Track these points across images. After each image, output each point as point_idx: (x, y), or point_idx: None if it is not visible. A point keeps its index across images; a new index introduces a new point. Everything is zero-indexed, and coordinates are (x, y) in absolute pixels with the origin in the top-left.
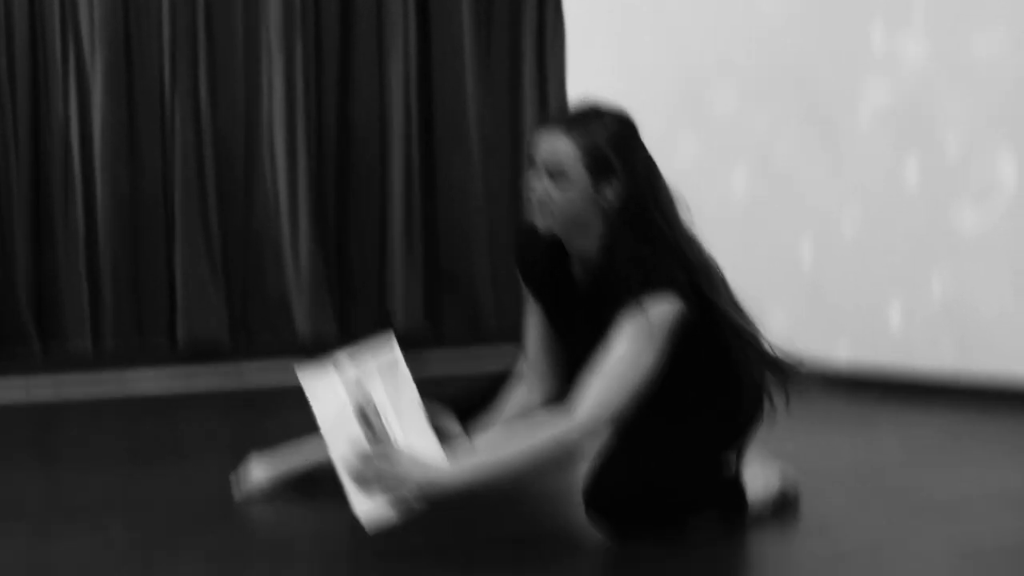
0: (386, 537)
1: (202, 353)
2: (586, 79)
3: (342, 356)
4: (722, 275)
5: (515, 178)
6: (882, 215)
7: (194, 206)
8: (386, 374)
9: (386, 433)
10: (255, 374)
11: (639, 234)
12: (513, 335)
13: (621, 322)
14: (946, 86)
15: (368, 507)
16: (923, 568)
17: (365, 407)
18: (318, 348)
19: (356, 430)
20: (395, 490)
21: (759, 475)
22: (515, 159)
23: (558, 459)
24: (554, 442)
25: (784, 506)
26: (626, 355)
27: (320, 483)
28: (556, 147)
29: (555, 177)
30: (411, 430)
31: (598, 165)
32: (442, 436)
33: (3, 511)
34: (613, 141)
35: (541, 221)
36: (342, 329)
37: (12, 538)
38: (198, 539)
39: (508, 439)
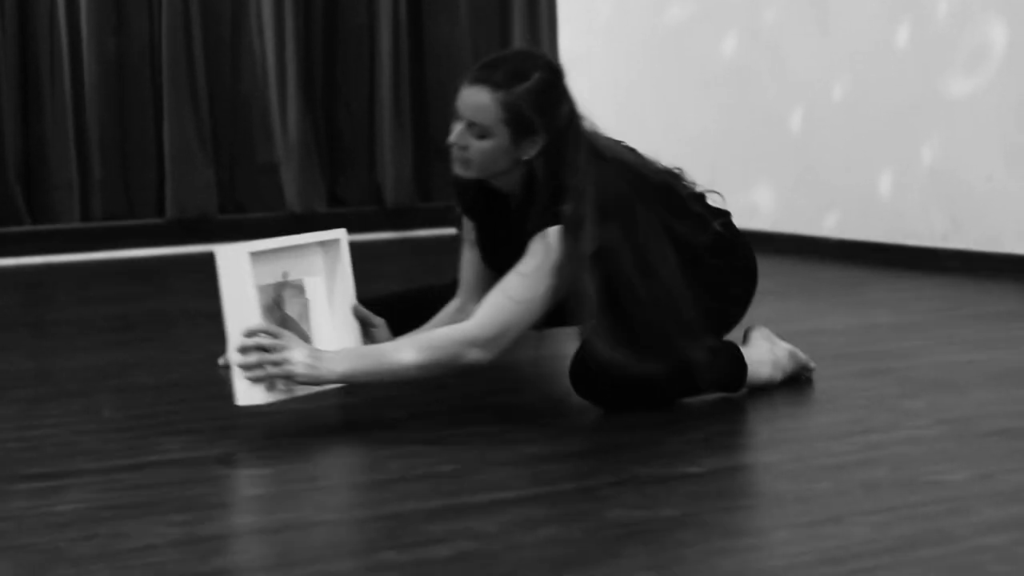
0: (368, 408)
1: (190, 227)
2: None
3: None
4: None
5: (503, 42)
6: (872, 82)
7: (182, 73)
8: (327, 254)
9: (289, 324)
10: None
11: (554, 175)
12: None
13: (528, 249)
14: None
15: (243, 387)
16: (918, 447)
17: (278, 296)
18: (307, 219)
19: (256, 318)
20: (275, 371)
21: (767, 354)
22: (503, 22)
23: (442, 366)
24: (440, 351)
25: (796, 383)
26: (523, 279)
27: None
28: (479, 102)
29: (475, 129)
30: (328, 317)
31: (519, 124)
32: (365, 327)
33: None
34: (536, 100)
35: (458, 168)
36: (331, 201)
37: (4, 411)
38: (186, 414)
39: (403, 341)
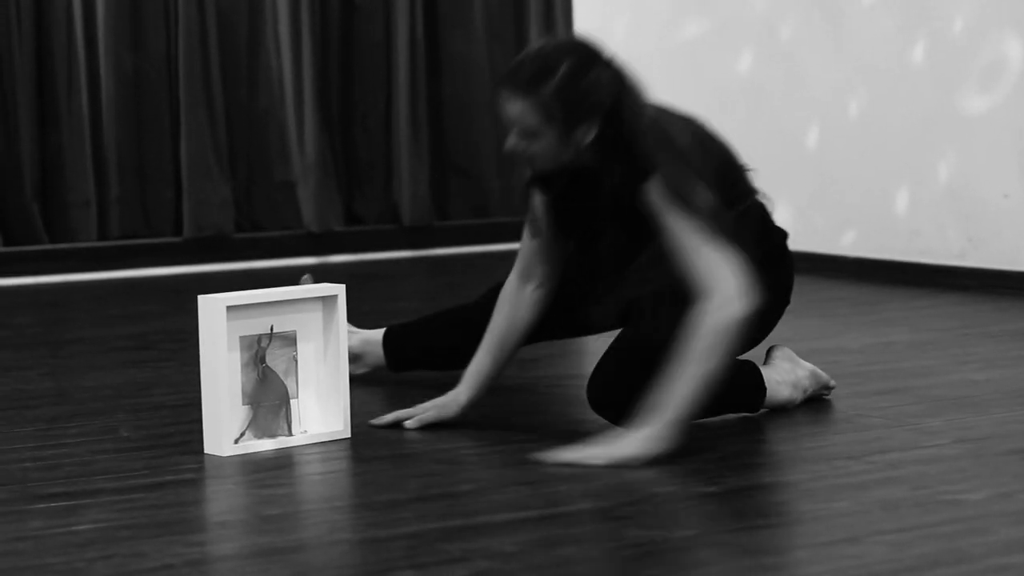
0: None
1: (207, 245)
2: None
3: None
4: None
5: None
6: (888, 97)
7: (199, 90)
8: (325, 308)
9: (269, 379)
10: (261, 265)
11: (624, 145)
12: (520, 221)
13: (659, 212)
14: None
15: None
16: (937, 465)
17: (260, 350)
18: (324, 238)
19: (231, 370)
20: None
21: (787, 375)
22: (519, 38)
23: (728, 350)
24: (717, 347)
25: (815, 402)
26: (696, 228)
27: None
28: (518, 110)
29: (524, 134)
30: (318, 373)
31: (562, 119)
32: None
33: (14, 403)
34: (570, 92)
35: (528, 168)
36: (348, 219)
37: (22, 430)
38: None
39: (678, 371)
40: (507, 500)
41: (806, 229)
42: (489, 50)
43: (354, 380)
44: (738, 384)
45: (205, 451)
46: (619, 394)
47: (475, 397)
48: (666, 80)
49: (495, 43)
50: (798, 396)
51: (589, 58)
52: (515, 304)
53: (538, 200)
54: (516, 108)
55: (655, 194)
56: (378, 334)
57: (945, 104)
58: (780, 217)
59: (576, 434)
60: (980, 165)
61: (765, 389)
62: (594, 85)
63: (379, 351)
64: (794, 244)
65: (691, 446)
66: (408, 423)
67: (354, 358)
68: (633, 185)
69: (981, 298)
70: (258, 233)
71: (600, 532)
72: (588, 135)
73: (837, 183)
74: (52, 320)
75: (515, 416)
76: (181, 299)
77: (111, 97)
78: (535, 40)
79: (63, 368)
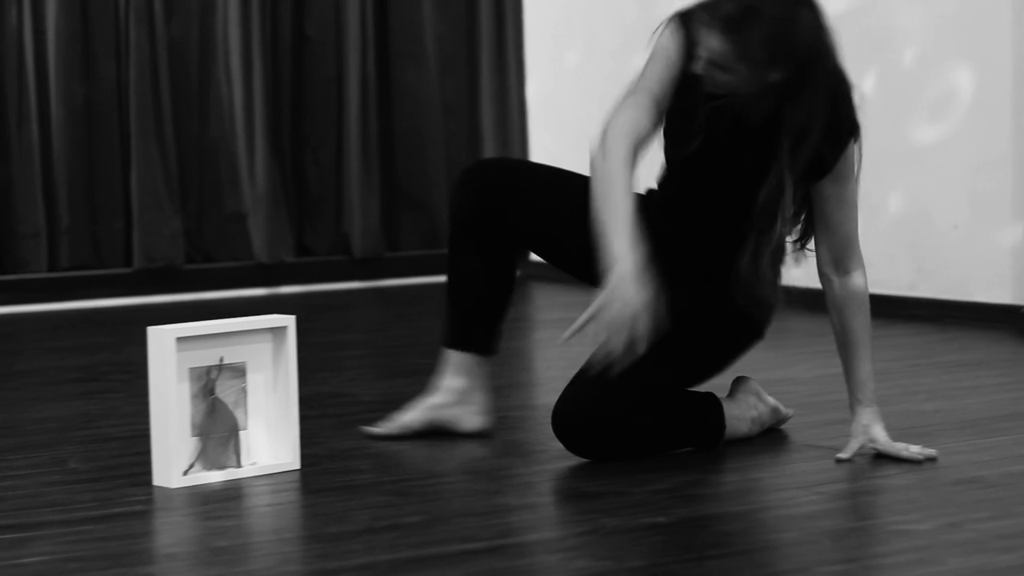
0: (332, 459)
1: (157, 277)
2: None
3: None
4: None
5: (472, 92)
6: None
7: (149, 121)
8: (275, 340)
9: (218, 410)
10: (211, 296)
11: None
12: None
13: (840, 174)
14: None
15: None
16: (885, 496)
17: (209, 381)
18: (274, 269)
19: (179, 401)
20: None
21: (750, 410)
22: (471, 73)
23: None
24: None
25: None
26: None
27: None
28: (714, 45)
29: (716, 66)
30: (268, 404)
31: (759, 61)
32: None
33: None
34: (772, 39)
35: (712, 89)
36: (299, 250)
37: None
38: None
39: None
40: (456, 531)
41: None
42: (441, 84)
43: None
44: (699, 420)
45: (154, 483)
46: (585, 423)
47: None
48: None
49: (447, 77)
50: (755, 430)
51: (794, 15)
52: (631, 172)
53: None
54: (713, 42)
55: (847, 155)
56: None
57: (896, 135)
58: None
59: (524, 465)
60: (930, 196)
61: (724, 427)
62: (795, 34)
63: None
64: None
65: (640, 477)
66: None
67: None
68: (823, 141)
69: (931, 329)
70: (209, 264)
71: (549, 563)
72: (777, 76)
73: None
74: (0, 351)
75: (463, 446)
76: (131, 330)
77: (61, 128)
78: (484, 87)
79: (11, 400)
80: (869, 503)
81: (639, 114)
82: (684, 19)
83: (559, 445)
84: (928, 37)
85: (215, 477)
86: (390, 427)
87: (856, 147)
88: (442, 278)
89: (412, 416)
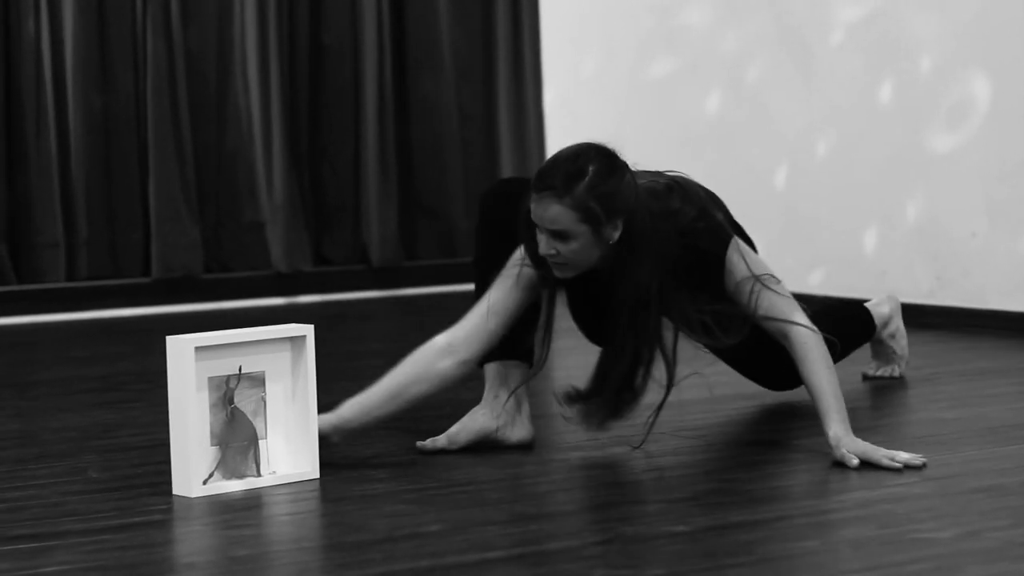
0: (352, 468)
1: (175, 286)
2: None
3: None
4: None
5: (489, 100)
6: (856, 136)
7: (167, 131)
8: (294, 349)
9: (237, 419)
10: (230, 305)
11: (653, 233)
12: None
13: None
14: (918, 3)
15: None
16: (905, 504)
17: (228, 390)
18: (292, 278)
19: (199, 410)
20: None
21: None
22: (488, 81)
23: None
24: (820, 345)
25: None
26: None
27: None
28: (553, 214)
29: (560, 237)
30: (287, 414)
31: (595, 218)
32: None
33: None
34: (600, 191)
35: (559, 273)
36: (317, 260)
37: None
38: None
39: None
40: (475, 540)
41: (775, 268)
42: (458, 92)
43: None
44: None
45: (173, 492)
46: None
47: (347, 425)
48: (635, 119)
49: (464, 85)
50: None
51: (614, 161)
52: (428, 369)
53: (546, 294)
54: (552, 211)
55: (735, 270)
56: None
57: (913, 143)
58: None
59: (542, 474)
60: (948, 204)
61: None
62: (621, 184)
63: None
64: None
65: (659, 485)
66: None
67: None
68: (699, 270)
69: (950, 337)
70: (226, 274)
71: (568, 572)
72: (616, 232)
73: (805, 222)
74: (19, 361)
75: (482, 454)
76: (149, 340)
77: (79, 138)
78: (501, 95)
79: (30, 409)
80: (889, 511)
81: (474, 325)
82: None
83: (578, 454)
84: (945, 45)
85: (235, 486)
86: (438, 441)
87: (737, 255)
88: (460, 287)
89: (462, 430)
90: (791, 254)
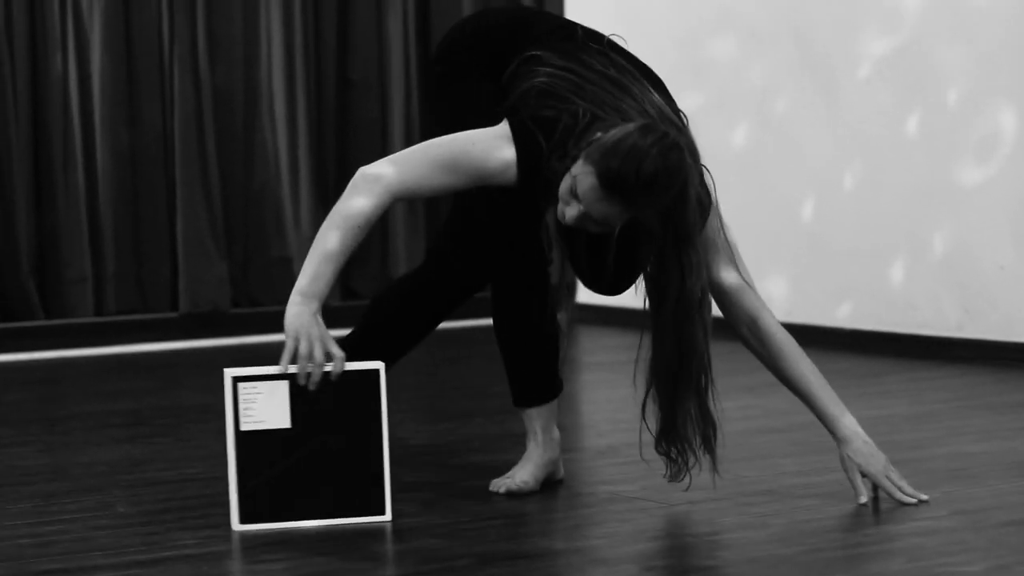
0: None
1: (203, 321)
2: None
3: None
4: None
5: None
6: (883, 168)
7: (195, 166)
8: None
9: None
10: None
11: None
12: None
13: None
14: (946, 36)
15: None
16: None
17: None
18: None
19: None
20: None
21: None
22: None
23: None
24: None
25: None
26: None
27: None
28: (613, 218)
29: (598, 223)
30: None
31: (648, 218)
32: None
33: (9, 479)
34: (669, 212)
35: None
36: (345, 294)
37: (17, 507)
38: (201, 509)
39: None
40: (504, 574)
41: (802, 300)
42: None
43: None
44: None
45: (232, 527)
46: None
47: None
48: None
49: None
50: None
51: (700, 174)
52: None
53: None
54: (613, 214)
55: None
56: None
57: (940, 175)
58: (775, 288)
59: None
60: (976, 236)
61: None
62: (680, 200)
63: None
64: (790, 315)
65: (683, 519)
66: None
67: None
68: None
69: (979, 370)
70: (254, 308)
71: None
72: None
73: (833, 254)
74: (48, 396)
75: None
76: (177, 374)
77: (107, 173)
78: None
79: (59, 444)
80: (918, 545)
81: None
82: (527, 148)
83: (607, 487)
84: (971, 77)
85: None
86: (511, 485)
87: (717, 220)
88: (484, 321)
89: (529, 473)
90: (818, 286)
